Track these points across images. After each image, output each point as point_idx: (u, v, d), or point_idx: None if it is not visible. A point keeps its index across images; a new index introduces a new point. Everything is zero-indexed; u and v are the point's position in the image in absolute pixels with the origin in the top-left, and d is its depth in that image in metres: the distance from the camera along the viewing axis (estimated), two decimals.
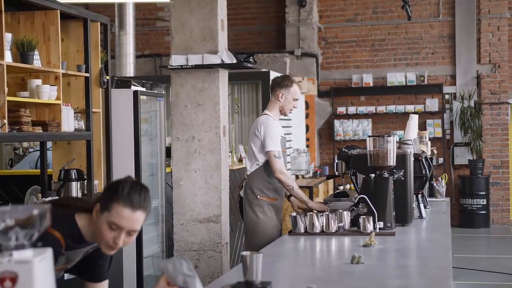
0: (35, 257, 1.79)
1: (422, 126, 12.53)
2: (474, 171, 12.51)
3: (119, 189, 2.67)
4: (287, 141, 10.21)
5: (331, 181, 11.21)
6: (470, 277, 8.54)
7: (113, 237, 2.69)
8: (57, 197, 4.85)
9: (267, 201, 5.35)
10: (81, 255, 2.88)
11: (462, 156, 12.80)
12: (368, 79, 13.11)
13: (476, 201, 12.43)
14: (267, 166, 5.27)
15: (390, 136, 4.57)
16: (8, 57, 4.82)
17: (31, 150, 8.15)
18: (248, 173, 5.43)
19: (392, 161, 4.53)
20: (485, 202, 12.46)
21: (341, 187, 10.79)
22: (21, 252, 1.81)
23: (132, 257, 6.36)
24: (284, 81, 5.37)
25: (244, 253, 2.80)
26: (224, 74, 5.97)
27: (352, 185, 5.97)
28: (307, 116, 12.58)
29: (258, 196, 5.34)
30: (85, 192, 5.75)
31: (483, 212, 12.48)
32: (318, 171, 11.20)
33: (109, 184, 2.80)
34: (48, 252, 1.84)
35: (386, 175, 4.54)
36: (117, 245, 2.71)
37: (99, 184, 5.96)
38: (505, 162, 12.83)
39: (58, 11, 5.35)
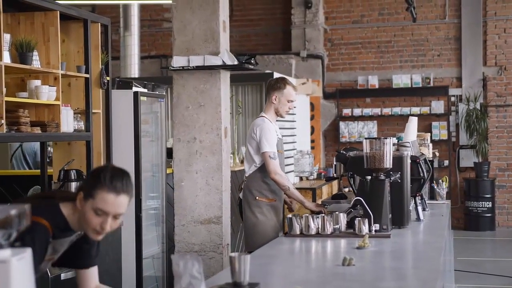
0: (13, 256, 1.80)
1: (427, 128, 12.52)
2: (480, 174, 12.47)
3: (101, 177, 2.76)
4: (291, 142, 10.27)
5: (335, 183, 11.19)
6: (474, 280, 8.51)
7: (100, 222, 2.76)
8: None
9: (266, 202, 5.39)
10: (66, 245, 2.93)
11: (468, 159, 12.76)
12: (373, 81, 13.10)
13: (482, 203, 12.39)
14: (265, 168, 5.30)
15: (386, 138, 4.56)
16: (6, 58, 4.84)
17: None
18: (246, 175, 5.47)
19: (388, 163, 4.52)
20: (490, 205, 12.42)
21: (346, 189, 10.77)
22: None
23: (132, 257, 6.38)
24: (277, 84, 5.42)
25: (232, 254, 2.82)
26: (225, 76, 5.98)
27: None
28: (312, 117, 12.58)
29: (257, 197, 5.38)
30: None
31: (489, 215, 12.44)
32: (323, 173, 11.18)
33: (91, 172, 2.88)
34: (27, 252, 1.85)
35: (382, 177, 4.53)
36: (104, 230, 2.78)
37: None
38: (511, 164, 12.78)
39: (58, 12, 5.38)
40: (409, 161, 4.82)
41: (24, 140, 6.51)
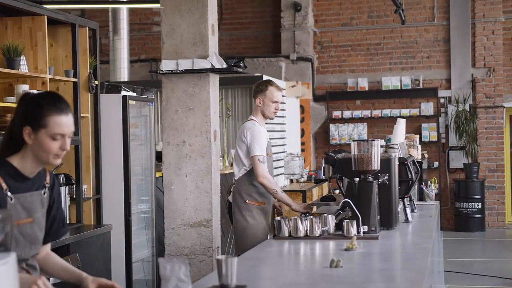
0: None
1: (417, 130, 12.56)
2: (469, 175, 12.52)
3: (43, 104, 2.79)
4: (281, 145, 10.29)
5: (326, 185, 11.21)
6: (464, 280, 8.55)
7: (59, 146, 2.81)
8: None
9: (255, 205, 5.40)
10: (37, 204, 2.91)
11: (457, 160, 12.81)
12: (363, 83, 13.13)
13: (472, 204, 12.43)
14: None
15: (374, 140, 4.57)
16: None
17: None
18: (236, 178, 5.48)
19: (376, 165, 4.53)
20: (480, 206, 12.47)
21: (337, 191, 10.78)
22: None
23: (121, 261, 6.37)
24: (260, 86, 5.50)
25: (219, 257, 2.83)
26: (214, 79, 5.98)
27: None
28: (302, 120, 12.61)
29: (247, 201, 5.40)
30: (74, 197, 5.76)
31: (479, 215, 12.49)
32: (313, 175, 11.20)
33: (26, 105, 2.84)
34: (11, 257, 1.85)
35: (370, 179, 4.54)
36: (63, 150, 2.83)
37: (87, 189, 5.97)
38: (500, 165, 12.84)
39: (45, 16, 5.37)
40: (397, 162, 4.84)
41: None
